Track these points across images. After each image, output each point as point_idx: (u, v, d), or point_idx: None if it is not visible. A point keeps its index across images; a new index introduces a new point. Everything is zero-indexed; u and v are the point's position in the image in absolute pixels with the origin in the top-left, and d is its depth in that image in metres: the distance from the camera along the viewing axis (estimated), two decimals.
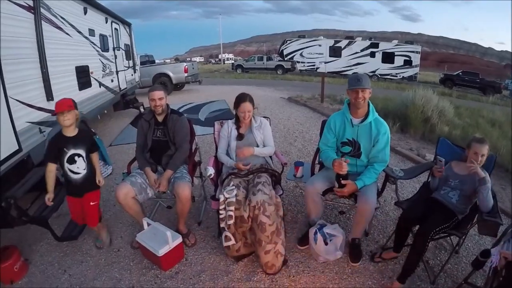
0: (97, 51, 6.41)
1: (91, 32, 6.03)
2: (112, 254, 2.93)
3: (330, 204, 3.25)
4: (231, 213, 2.55)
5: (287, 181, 3.82)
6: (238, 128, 3.10)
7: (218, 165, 3.18)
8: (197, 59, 77.45)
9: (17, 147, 3.16)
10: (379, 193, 2.80)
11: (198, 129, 6.69)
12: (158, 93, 2.95)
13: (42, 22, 3.94)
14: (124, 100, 8.22)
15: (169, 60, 47.27)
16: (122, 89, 8.07)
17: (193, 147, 3.46)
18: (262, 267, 2.56)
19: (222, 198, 2.60)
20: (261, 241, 2.48)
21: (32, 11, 3.75)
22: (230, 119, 3.24)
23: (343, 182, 2.59)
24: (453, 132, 6.41)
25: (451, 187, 2.49)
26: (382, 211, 3.51)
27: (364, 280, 2.52)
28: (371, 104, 2.71)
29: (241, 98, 3.01)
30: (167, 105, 3.10)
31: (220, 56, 73.09)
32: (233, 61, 45.35)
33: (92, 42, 6.10)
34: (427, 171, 2.93)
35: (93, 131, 5.28)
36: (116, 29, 7.97)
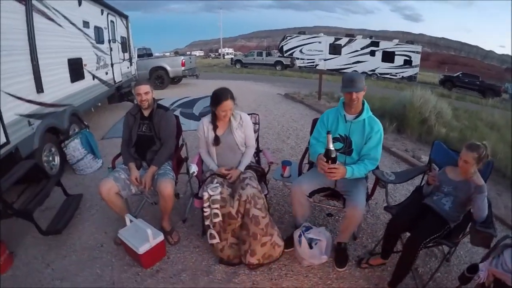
0: (92, 43, 6.32)
1: (86, 24, 5.94)
2: (95, 250, 2.88)
3: (318, 206, 3.19)
4: (217, 211, 2.50)
5: (276, 180, 3.76)
6: (214, 128, 2.84)
7: (202, 162, 3.06)
8: (197, 53, 77.26)
9: (4, 140, 3.12)
10: (369, 197, 2.72)
11: (191, 124, 6.66)
12: (144, 87, 2.88)
13: (34, 13, 3.89)
14: (119, 93, 8.15)
15: (168, 53, 47.12)
16: (117, 82, 7.99)
17: (179, 143, 3.40)
18: (259, 260, 2.53)
19: (206, 196, 2.54)
20: (256, 234, 2.45)
21: (24, 2, 3.69)
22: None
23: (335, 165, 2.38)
24: (450, 134, 6.32)
25: (444, 193, 2.37)
26: (373, 214, 3.44)
27: (349, 286, 2.45)
28: (365, 102, 2.63)
29: (222, 95, 2.70)
30: (154, 99, 3.04)
31: (220, 51, 72.76)
32: (232, 56, 45.16)
33: (86, 34, 6.01)
34: (421, 174, 2.84)
35: (86, 124, 5.24)
36: (112, 21, 7.86)
